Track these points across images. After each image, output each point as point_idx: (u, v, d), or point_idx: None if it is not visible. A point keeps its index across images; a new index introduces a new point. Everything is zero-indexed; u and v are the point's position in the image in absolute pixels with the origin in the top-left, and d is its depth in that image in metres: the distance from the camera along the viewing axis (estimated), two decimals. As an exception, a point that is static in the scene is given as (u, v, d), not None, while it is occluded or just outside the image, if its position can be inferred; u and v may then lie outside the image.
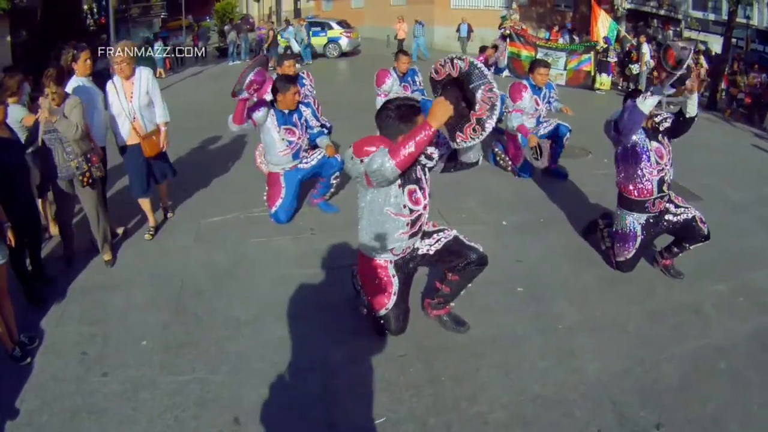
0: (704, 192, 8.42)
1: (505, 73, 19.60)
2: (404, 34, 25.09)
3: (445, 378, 4.18)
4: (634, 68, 19.13)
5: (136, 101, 5.93)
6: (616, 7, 30.03)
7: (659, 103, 5.23)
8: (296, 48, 22.23)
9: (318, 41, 25.41)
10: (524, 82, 8.21)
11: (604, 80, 19.18)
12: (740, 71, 19.02)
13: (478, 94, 3.55)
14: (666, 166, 5.45)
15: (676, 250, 5.78)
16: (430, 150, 4.05)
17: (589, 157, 9.93)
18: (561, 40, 22.91)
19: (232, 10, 45.51)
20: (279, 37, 23.26)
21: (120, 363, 4.27)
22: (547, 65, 8.38)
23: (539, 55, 18.54)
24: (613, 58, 19.37)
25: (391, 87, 9.08)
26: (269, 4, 48.53)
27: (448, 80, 3.81)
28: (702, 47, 28.07)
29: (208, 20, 43.68)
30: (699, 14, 49.57)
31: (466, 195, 7.53)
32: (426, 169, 4.09)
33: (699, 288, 5.73)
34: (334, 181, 6.87)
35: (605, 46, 18.96)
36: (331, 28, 25.76)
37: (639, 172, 5.41)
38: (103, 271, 5.57)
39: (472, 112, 3.59)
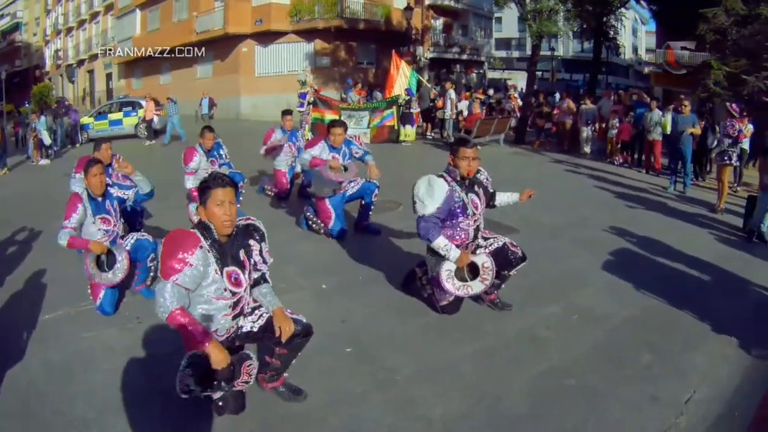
0: (521, 224, 9.01)
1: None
2: (151, 114, 24.09)
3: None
4: (446, 113, 20.14)
5: None
6: (418, 58, 31.62)
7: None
8: (47, 140, 20.62)
9: (130, 121, 24.95)
10: (322, 141, 8.42)
11: (408, 132, 20.30)
12: (546, 102, 20.44)
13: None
14: (480, 215, 5.81)
15: (497, 281, 5.98)
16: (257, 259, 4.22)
17: (400, 209, 10.35)
18: (348, 97, 23.78)
19: (49, 94, 43.79)
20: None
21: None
22: (342, 125, 8.64)
23: (343, 117, 19.16)
24: (416, 109, 20.28)
25: (199, 164, 9.26)
26: (83, 86, 48.77)
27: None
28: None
29: (27, 106, 41.50)
30: (503, 53, 53.56)
31: (282, 263, 7.51)
32: (253, 253, 4.19)
33: (530, 315, 6.06)
34: (151, 264, 6.67)
35: (407, 98, 19.82)
36: (141, 107, 25.04)
37: (456, 226, 5.67)
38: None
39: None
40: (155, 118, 24.45)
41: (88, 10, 48.31)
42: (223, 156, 9.82)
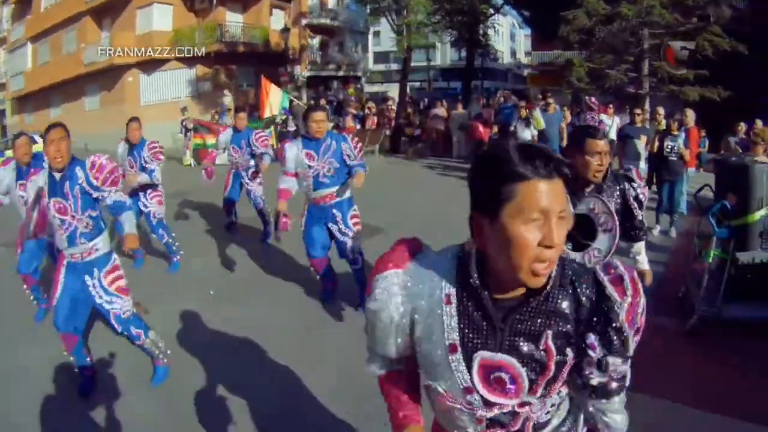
0: (390, 227, 9.12)
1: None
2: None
3: None
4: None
5: None
6: (296, 77, 31.70)
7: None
8: None
9: (24, 158, 23.67)
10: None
11: (286, 149, 20.17)
12: (414, 111, 20.96)
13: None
14: None
15: None
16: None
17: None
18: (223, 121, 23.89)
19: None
20: None
21: None
22: (322, 109, 6.54)
23: (224, 139, 19.28)
24: (292, 127, 20.54)
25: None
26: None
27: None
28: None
29: None
30: (381, 67, 53.93)
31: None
32: None
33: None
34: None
35: (285, 117, 20.03)
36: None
37: None
38: None
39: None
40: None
41: (-19, 44, 46.49)
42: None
